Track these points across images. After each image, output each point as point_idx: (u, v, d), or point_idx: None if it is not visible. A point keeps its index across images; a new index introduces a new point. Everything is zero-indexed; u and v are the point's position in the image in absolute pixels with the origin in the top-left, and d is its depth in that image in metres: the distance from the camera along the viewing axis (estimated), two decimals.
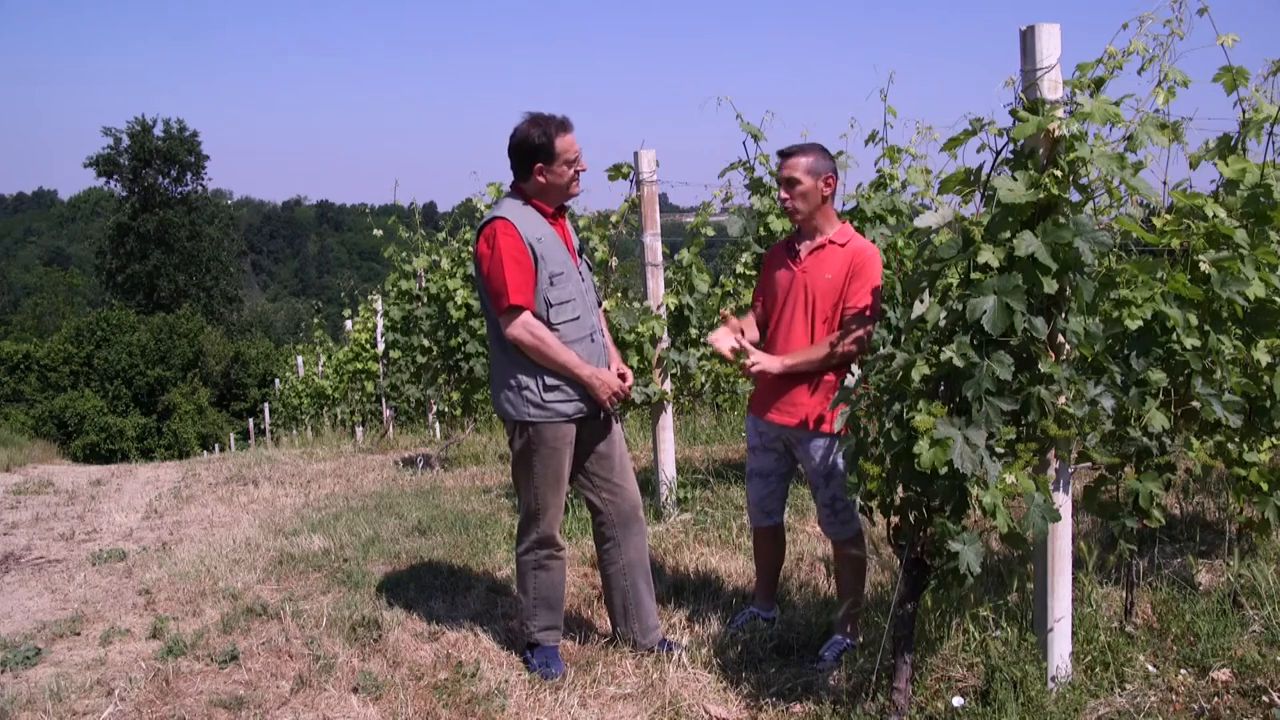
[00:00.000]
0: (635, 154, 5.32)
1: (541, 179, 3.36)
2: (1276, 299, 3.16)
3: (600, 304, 3.66)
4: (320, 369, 17.78)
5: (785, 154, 3.39)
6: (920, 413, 2.58)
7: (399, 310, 9.50)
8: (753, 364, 3.35)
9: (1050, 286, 2.55)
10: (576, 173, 3.40)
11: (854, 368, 2.95)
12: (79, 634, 4.20)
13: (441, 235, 8.68)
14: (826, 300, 3.35)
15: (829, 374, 3.36)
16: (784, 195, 3.38)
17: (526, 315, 3.29)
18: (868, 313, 3.31)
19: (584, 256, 3.58)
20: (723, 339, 3.41)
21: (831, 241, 3.39)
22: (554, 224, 3.44)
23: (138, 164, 47.77)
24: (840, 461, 3.37)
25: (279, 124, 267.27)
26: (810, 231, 3.43)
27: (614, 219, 5.94)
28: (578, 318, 3.40)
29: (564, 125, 3.34)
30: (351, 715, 3.21)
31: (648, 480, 5.64)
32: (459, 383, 8.37)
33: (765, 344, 3.52)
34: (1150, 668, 3.03)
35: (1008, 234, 2.60)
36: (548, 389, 3.35)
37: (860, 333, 3.29)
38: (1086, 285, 2.62)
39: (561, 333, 3.34)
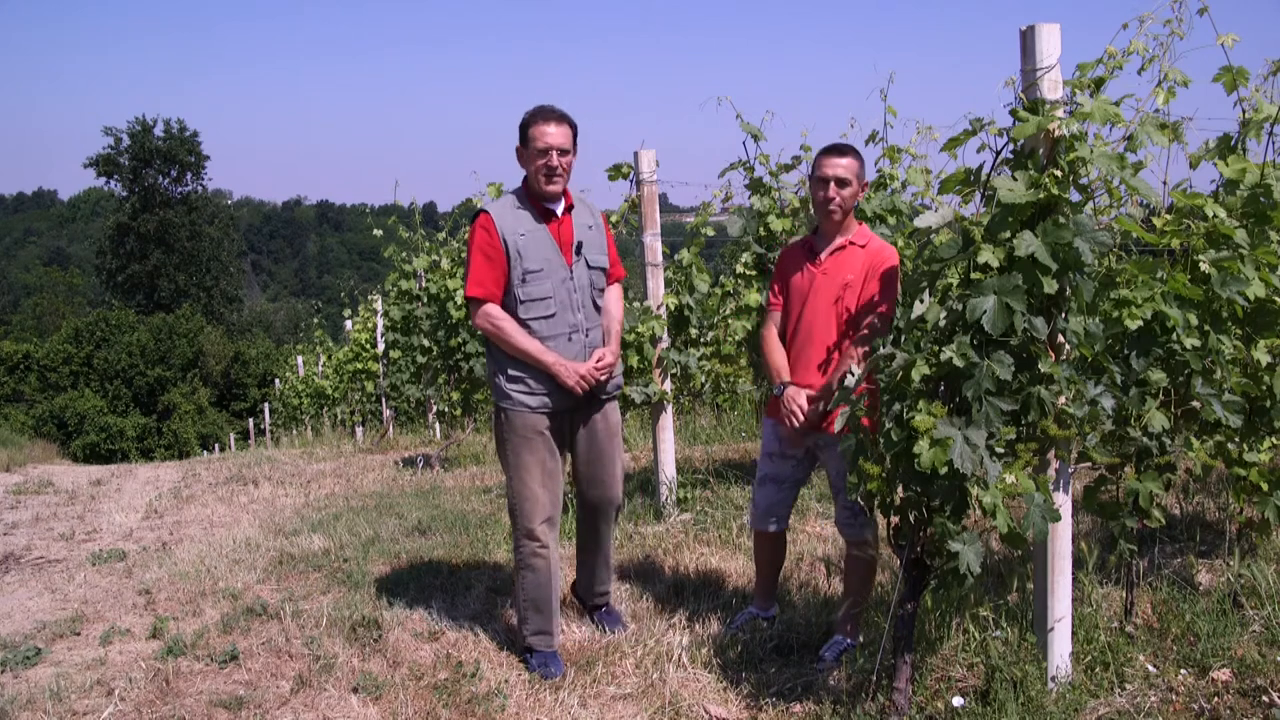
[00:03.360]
0: (635, 154, 5.32)
1: (521, 164, 3.47)
2: (1276, 299, 3.16)
3: (598, 304, 3.59)
4: (320, 369, 17.79)
5: (839, 152, 3.34)
6: (920, 413, 2.58)
7: (399, 310, 9.51)
8: (793, 415, 3.34)
9: (1050, 286, 2.55)
10: (546, 167, 3.38)
11: (854, 367, 2.94)
12: (79, 634, 4.20)
13: (441, 235, 8.69)
14: (847, 301, 3.33)
15: None
16: (830, 194, 3.31)
17: (487, 306, 3.39)
18: (889, 315, 3.26)
19: (582, 255, 3.54)
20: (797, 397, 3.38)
21: (852, 243, 3.37)
22: (549, 223, 3.45)
23: (138, 164, 47.70)
24: None
25: (279, 124, 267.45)
26: (833, 233, 3.40)
27: (614, 219, 5.93)
28: (552, 315, 3.42)
29: (545, 115, 3.38)
30: (351, 715, 3.21)
31: (648, 480, 5.64)
32: (459, 383, 8.37)
33: (785, 347, 3.50)
34: (1150, 668, 3.03)
35: (1008, 234, 2.60)
36: (510, 380, 3.43)
37: (880, 335, 3.25)
38: (1086, 285, 2.62)
39: (532, 329, 3.39)
